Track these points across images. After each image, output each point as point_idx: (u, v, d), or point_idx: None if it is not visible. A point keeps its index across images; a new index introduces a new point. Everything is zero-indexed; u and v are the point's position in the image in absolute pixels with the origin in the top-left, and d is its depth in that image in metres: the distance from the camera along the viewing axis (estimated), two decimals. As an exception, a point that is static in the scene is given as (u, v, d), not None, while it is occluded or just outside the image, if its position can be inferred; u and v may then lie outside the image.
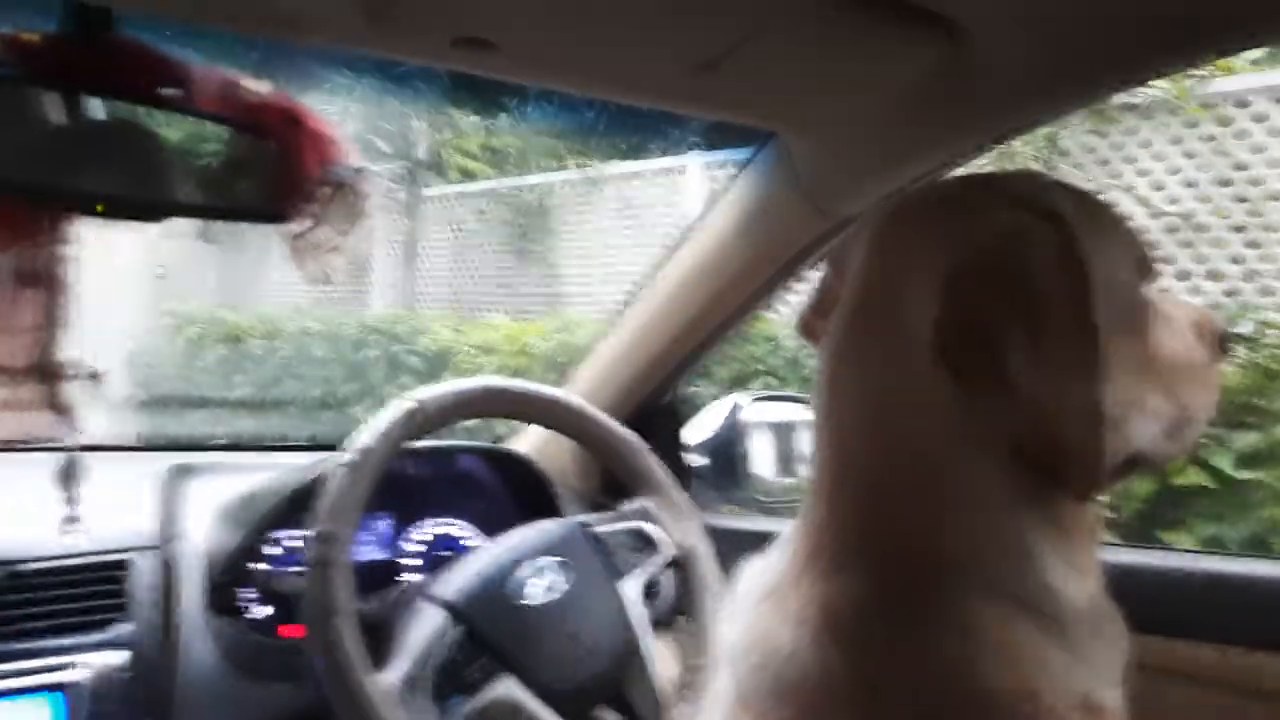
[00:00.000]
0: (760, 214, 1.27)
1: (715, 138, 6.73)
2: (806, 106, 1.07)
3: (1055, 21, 0.84)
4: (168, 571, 1.19)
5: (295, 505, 1.18)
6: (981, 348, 0.65)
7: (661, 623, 1.45)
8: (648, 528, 1.26)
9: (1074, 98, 1.00)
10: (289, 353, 6.52)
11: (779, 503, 1.77)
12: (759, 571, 0.76)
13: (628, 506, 1.31)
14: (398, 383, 5.90)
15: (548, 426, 1.32)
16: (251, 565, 1.24)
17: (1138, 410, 0.70)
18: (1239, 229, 3.79)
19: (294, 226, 0.96)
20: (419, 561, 1.41)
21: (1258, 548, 2.86)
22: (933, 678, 0.63)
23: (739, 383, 4.03)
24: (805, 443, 1.75)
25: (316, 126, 0.89)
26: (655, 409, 1.60)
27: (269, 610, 1.26)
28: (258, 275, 9.71)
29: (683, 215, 6.69)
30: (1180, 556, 1.27)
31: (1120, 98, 3.88)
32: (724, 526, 1.62)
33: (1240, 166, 3.82)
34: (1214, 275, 3.73)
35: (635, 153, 7.83)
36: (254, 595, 1.24)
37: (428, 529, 1.43)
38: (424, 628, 1.06)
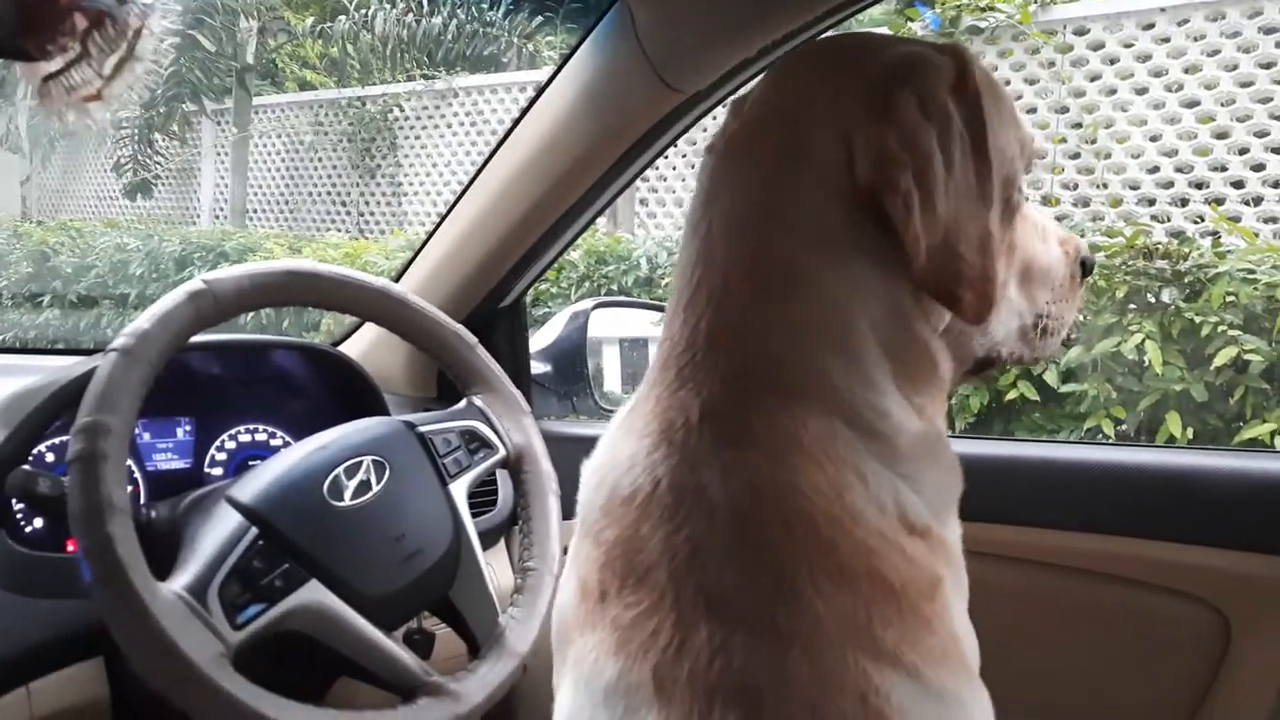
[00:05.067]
0: (604, 89, 1.17)
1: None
2: None
3: None
4: None
5: (67, 405, 1.03)
6: (894, 147, 0.64)
7: (497, 531, 1.36)
8: (478, 426, 1.17)
9: None
10: (103, 270, 6.02)
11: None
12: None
13: (457, 405, 1.20)
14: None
15: (366, 318, 1.19)
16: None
17: (1001, 294, 0.70)
18: (1074, 155, 3.93)
19: (44, 66, 0.79)
20: (224, 471, 1.28)
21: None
22: (746, 482, 0.62)
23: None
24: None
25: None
26: (495, 312, 1.49)
27: (44, 522, 1.10)
28: (68, 186, 8.97)
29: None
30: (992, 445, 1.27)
31: (967, 21, 3.98)
32: (564, 432, 1.54)
33: (1077, 93, 3.95)
34: (1047, 200, 3.86)
35: (488, 65, 7.56)
36: (21, 506, 1.08)
37: (236, 434, 1.29)
38: (216, 532, 0.94)
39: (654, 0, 1.05)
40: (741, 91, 0.91)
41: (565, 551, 0.76)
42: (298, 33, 8.51)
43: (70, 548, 1.09)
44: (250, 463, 1.26)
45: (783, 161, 0.67)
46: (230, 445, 1.29)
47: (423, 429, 1.13)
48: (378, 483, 1.03)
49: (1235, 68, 3.67)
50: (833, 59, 0.72)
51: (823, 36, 0.77)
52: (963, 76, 0.67)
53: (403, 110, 7.28)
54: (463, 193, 1.40)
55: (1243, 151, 3.65)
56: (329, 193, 7.73)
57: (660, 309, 1.93)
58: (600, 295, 3.82)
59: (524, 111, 1.30)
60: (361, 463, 1.04)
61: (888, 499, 0.64)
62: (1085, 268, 0.80)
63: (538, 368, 1.62)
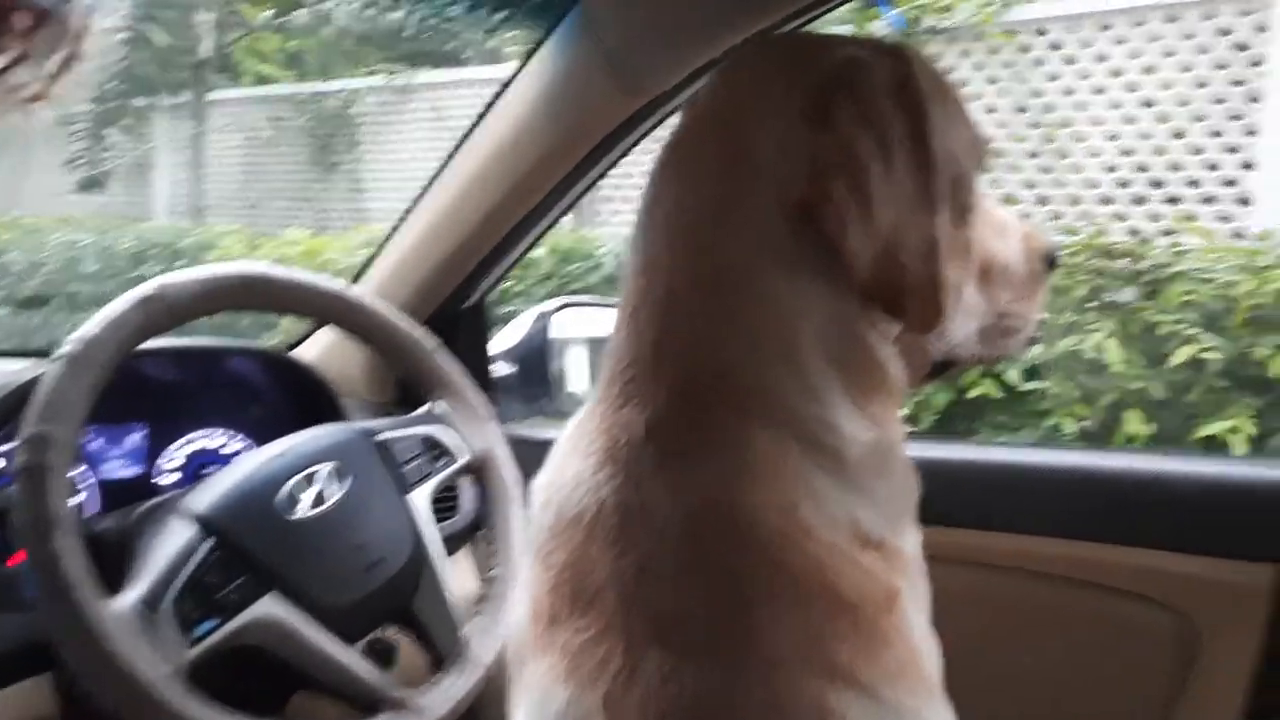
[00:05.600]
0: (564, 91, 1.15)
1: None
2: None
3: None
4: None
5: (12, 412, 1.00)
6: (828, 157, 0.63)
7: (460, 537, 1.34)
8: (440, 432, 1.15)
9: None
10: (54, 268, 5.88)
11: None
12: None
13: (420, 413, 1.18)
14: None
15: (324, 322, 1.17)
16: None
17: (955, 299, 0.69)
18: (1033, 155, 3.97)
19: None
20: (178, 478, 1.24)
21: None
22: (693, 500, 0.61)
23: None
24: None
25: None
26: (458, 314, 1.47)
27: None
28: (18, 183, 8.76)
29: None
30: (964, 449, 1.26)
31: (928, 21, 4.00)
32: (529, 436, 1.52)
33: (1036, 93, 3.99)
34: (1009, 200, 3.89)
35: (450, 61, 7.48)
36: None
37: (190, 442, 1.26)
38: (169, 544, 0.91)
39: (613, 2, 1.04)
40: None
41: None
42: (255, 26, 8.38)
43: (12, 565, 1.06)
44: (205, 470, 1.23)
45: (725, 167, 0.66)
46: (184, 452, 1.25)
47: (382, 436, 1.11)
48: (337, 491, 1.01)
49: (1191, 69, 3.72)
50: (774, 59, 0.71)
51: (769, 36, 0.76)
52: (904, 79, 0.66)
53: (363, 106, 7.19)
54: (424, 192, 1.37)
55: (1198, 151, 3.70)
56: (288, 189, 7.62)
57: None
58: (565, 294, 3.81)
59: (485, 110, 1.28)
60: (319, 471, 1.02)
61: (840, 513, 0.62)
62: (1050, 263, 0.79)
63: (502, 369, 1.59)
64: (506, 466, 1.17)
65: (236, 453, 1.26)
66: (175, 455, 1.24)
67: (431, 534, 1.06)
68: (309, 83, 7.65)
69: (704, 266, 0.65)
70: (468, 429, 1.16)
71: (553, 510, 0.66)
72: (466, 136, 1.30)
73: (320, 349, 1.45)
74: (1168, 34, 3.75)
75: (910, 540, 0.67)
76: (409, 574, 1.03)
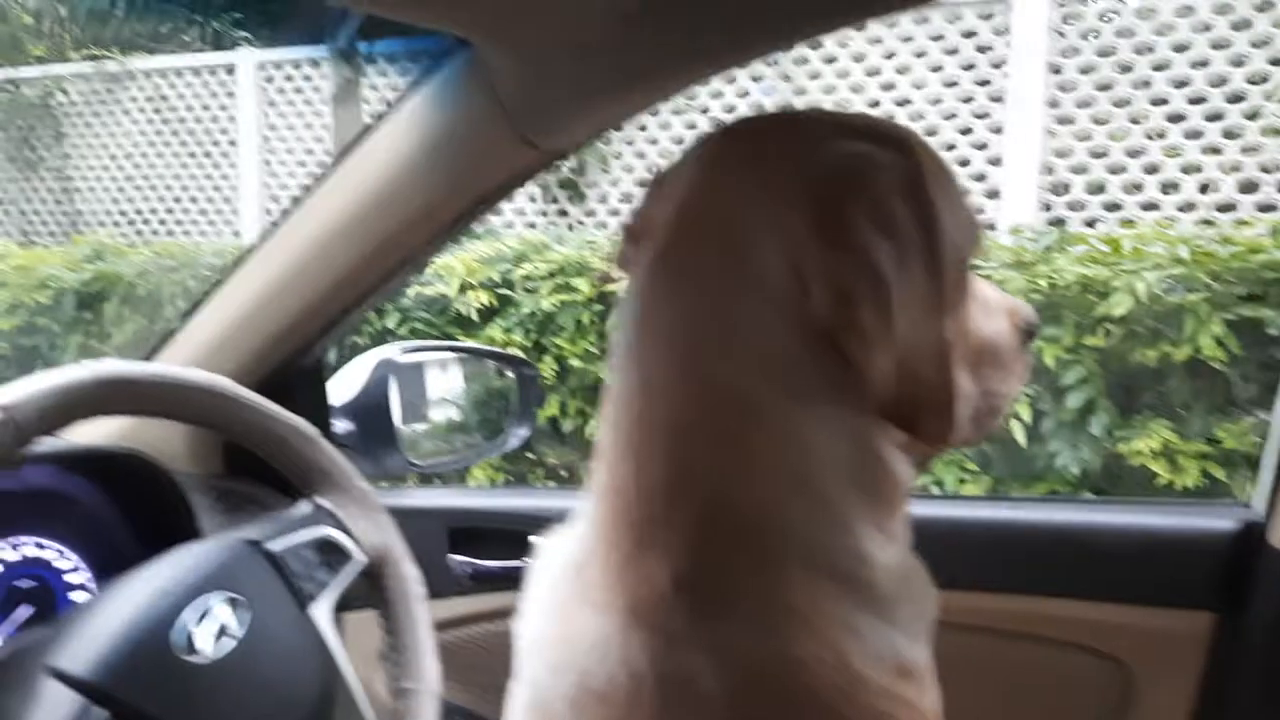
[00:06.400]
0: (449, 141, 1.03)
1: (267, 33, 6.05)
2: (505, 14, 0.86)
3: None
4: None
5: None
6: (851, 280, 0.58)
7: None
8: (331, 533, 1.00)
9: (800, 28, 0.90)
10: None
11: (436, 465, 1.59)
12: (557, 550, 0.68)
13: (300, 509, 1.03)
14: None
15: (191, 422, 0.99)
16: None
17: (966, 406, 0.67)
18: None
19: None
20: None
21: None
22: (740, 664, 0.57)
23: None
24: (435, 384, 1.57)
25: None
26: (296, 372, 1.30)
27: None
28: None
29: (236, 121, 5.94)
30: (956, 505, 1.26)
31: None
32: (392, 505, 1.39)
33: (800, 91, 4.14)
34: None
35: (167, 45, 6.77)
36: None
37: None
38: (50, 717, 0.73)
39: (512, 54, 0.93)
40: (659, 166, 0.83)
41: None
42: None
43: None
44: (21, 584, 1.01)
45: (729, 283, 0.61)
46: None
47: (270, 547, 0.96)
48: (239, 626, 0.86)
49: (940, 68, 3.97)
50: (770, 153, 0.64)
51: (750, 116, 0.70)
52: (914, 176, 0.61)
53: (67, 94, 6.40)
54: (258, 246, 1.19)
55: (951, 148, 3.98)
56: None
57: (471, 350, 1.78)
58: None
59: (337, 160, 1.13)
60: (213, 603, 0.86)
61: (883, 649, 0.60)
62: (1030, 335, 0.77)
63: (339, 425, 1.44)
64: (405, 562, 1.05)
65: (66, 568, 1.05)
66: None
67: (340, 653, 0.93)
68: (-3, 68, 6.72)
69: (712, 394, 0.60)
70: (359, 525, 1.03)
71: (571, 678, 0.60)
72: (312, 188, 1.15)
73: (127, 423, 1.23)
74: (918, 35, 4.00)
75: (924, 651, 0.64)
76: (324, 703, 0.90)
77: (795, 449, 0.60)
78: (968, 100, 3.93)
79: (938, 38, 3.96)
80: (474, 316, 3.67)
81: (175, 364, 1.12)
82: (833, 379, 0.59)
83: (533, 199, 4.64)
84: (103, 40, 6.61)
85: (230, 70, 5.94)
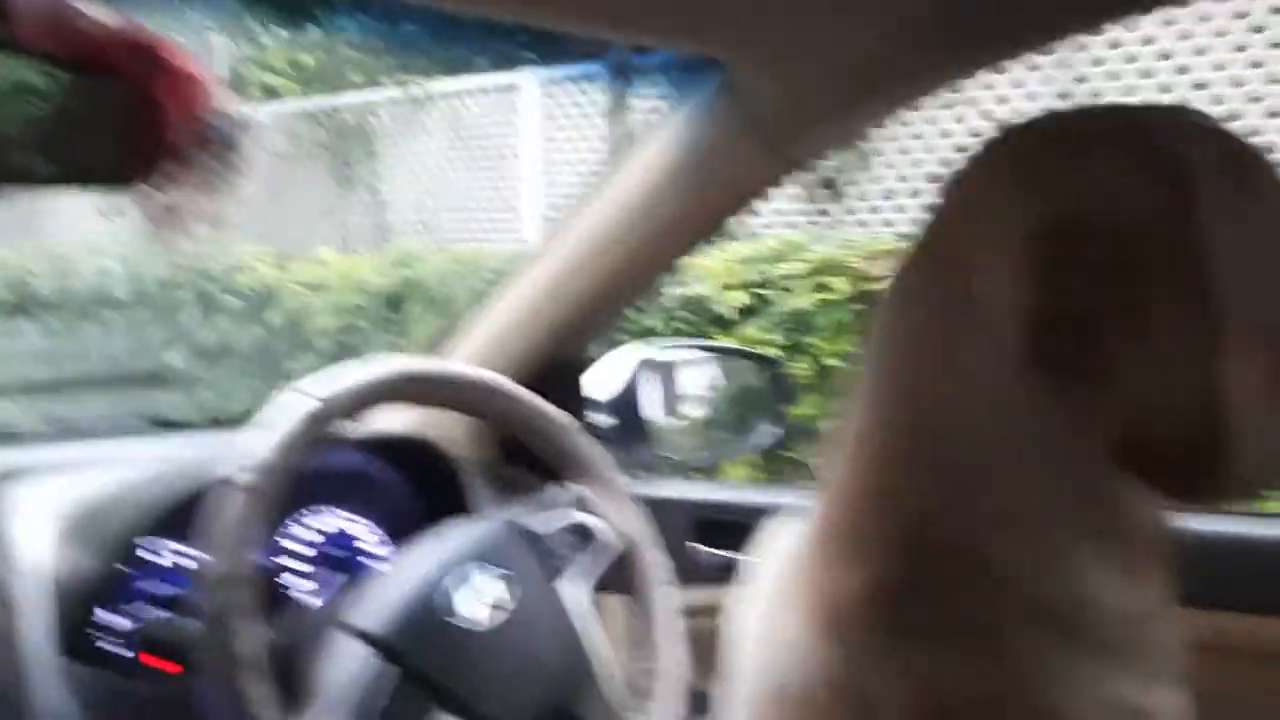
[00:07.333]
0: (703, 155, 1.12)
1: (549, 53, 6.46)
2: (760, 34, 0.92)
3: None
4: (2, 612, 0.96)
5: (170, 519, 0.98)
6: (1075, 334, 0.56)
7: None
8: (586, 518, 1.11)
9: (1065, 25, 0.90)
10: (87, 297, 5.86)
11: (688, 459, 1.64)
12: (778, 547, 0.70)
13: (559, 494, 1.15)
14: (214, 325, 5.45)
15: (467, 413, 1.14)
16: (114, 603, 1.01)
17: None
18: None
19: (148, 189, 0.72)
20: (305, 566, 1.20)
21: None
22: (922, 690, 0.57)
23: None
24: (688, 381, 1.65)
25: (179, 65, 0.66)
26: (558, 365, 1.43)
27: (131, 653, 1.04)
28: (39, 208, 8.73)
29: (519, 135, 6.41)
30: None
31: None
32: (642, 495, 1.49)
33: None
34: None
35: (458, 68, 7.40)
36: (122, 641, 1.02)
37: (314, 523, 1.21)
38: (347, 669, 0.88)
39: (764, 68, 1.00)
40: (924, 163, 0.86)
41: None
42: (264, 40, 8.33)
43: (144, 660, 1.04)
44: (334, 553, 1.19)
45: (951, 311, 0.60)
46: (305, 535, 1.21)
47: (528, 525, 1.08)
48: (505, 598, 0.98)
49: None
50: (1017, 176, 0.60)
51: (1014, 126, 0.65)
52: (1179, 210, 0.54)
53: (379, 117, 7.15)
54: (535, 253, 1.34)
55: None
56: (308, 205, 7.58)
57: (724, 350, 1.86)
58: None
59: (607, 173, 1.25)
60: (476, 573, 0.99)
61: (1101, 694, 0.58)
62: None
63: (597, 418, 1.55)
64: (652, 549, 1.14)
65: (364, 540, 1.22)
66: (298, 540, 1.20)
67: (595, 634, 1.03)
68: (319, 96, 7.60)
69: (929, 424, 0.61)
70: (612, 514, 1.13)
71: (775, 677, 0.63)
72: (583, 200, 1.27)
73: (414, 414, 1.41)
74: (1216, 12, 3.67)
75: (1170, 697, 0.61)
76: (574, 679, 1.00)
77: (1006, 485, 0.59)
78: (1276, 82, 3.56)
79: (1241, 15, 3.62)
80: (733, 316, 3.77)
81: (459, 360, 1.29)
82: (1052, 418, 0.57)
83: (793, 199, 4.67)
84: (410, 67, 7.32)
85: (514, 89, 6.40)
